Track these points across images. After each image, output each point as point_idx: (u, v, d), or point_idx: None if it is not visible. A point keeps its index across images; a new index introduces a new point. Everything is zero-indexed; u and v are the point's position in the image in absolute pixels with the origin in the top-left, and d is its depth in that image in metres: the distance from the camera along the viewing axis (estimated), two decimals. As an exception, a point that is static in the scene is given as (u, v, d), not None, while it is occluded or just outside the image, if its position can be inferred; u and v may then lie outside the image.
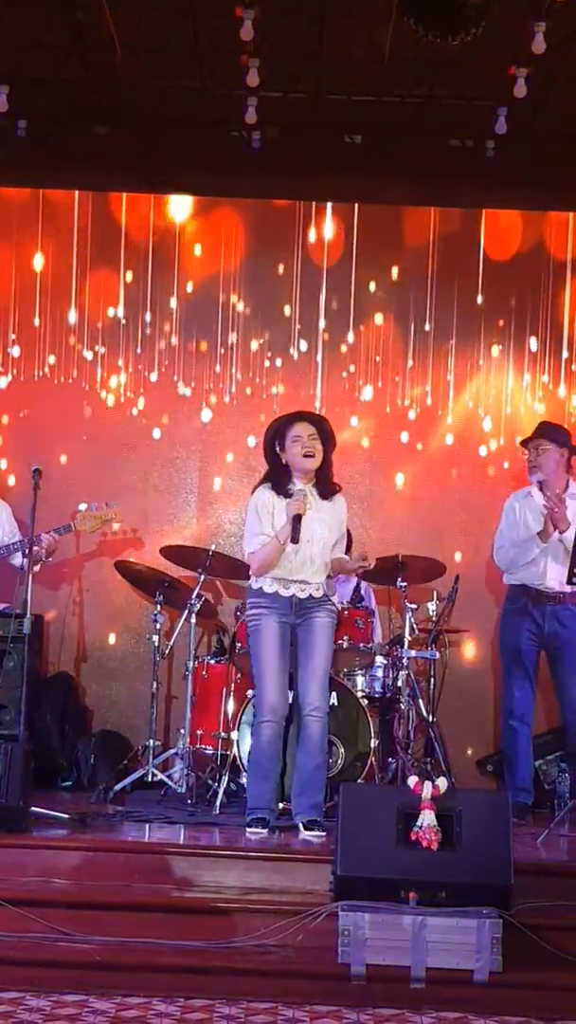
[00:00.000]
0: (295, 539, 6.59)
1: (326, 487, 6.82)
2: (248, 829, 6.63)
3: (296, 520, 6.59)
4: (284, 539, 6.62)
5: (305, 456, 6.72)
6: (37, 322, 9.12)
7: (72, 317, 9.12)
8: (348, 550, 8.10)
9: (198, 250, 9.19)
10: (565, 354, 9.10)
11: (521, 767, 7.68)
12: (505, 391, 9.13)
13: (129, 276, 9.15)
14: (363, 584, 8.21)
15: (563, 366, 9.11)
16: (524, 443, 7.91)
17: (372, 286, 9.15)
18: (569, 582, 7.25)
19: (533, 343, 9.11)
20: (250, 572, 6.89)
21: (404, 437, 9.12)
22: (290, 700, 6.85)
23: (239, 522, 8.33)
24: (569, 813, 7.26)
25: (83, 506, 8.07)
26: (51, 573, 8.61)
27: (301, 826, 6.62)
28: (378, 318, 9.16)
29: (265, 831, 6.62)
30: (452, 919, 5.30)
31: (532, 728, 7.80)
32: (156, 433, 9.13)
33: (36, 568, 7.63)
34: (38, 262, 9.16)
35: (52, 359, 9.11)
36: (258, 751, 6.76)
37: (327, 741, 6.84)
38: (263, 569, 6.73)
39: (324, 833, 6.47)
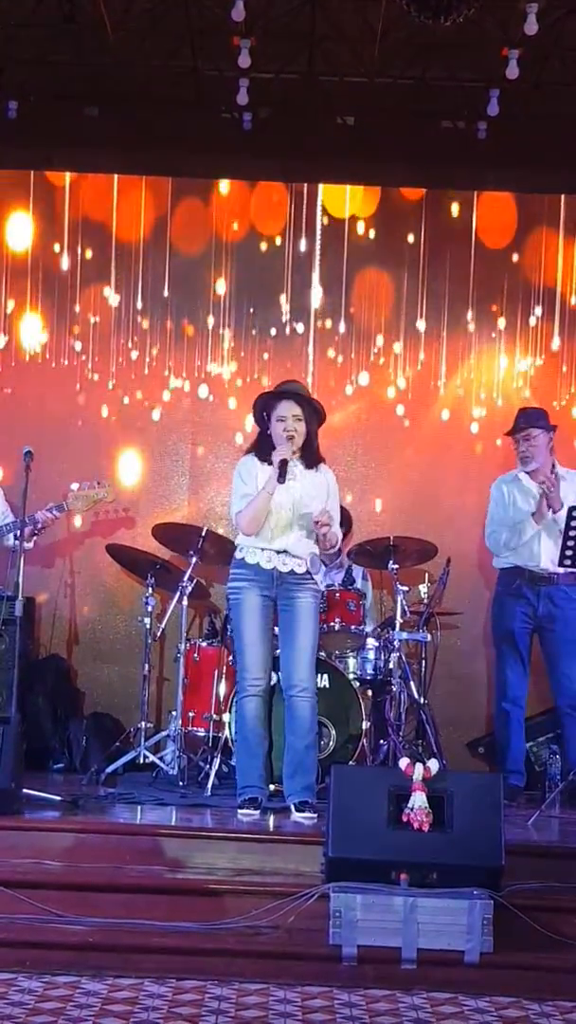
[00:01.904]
0: (281, 480, 6.63)
1: (311, 458, 6.86)
2: (240, 810, 6.65)
3: (283, 464, 6.65)
4: (272, 488, 6.66)
5: (287, 438, 6.75)
6: (28, 304, 9.09)
7: (63, 299, 9.09)
8: (348, 531, 8.13)
9: (189, 232, 9.15)
10: (556, 334, 9.09)
11: (514, 750, 7.72)
12: (496, 372, 9.12)
13: (121, 258, 9.12)
14: (356, 567, 8.22)
15: (555, 346, 9.10)
16: (510, 434, 7.90)
17: (364, 268, 9.12)
18: (560, 564, 7.25)
19: (525, 323, 9.09)
20: (239, 531, 6.91)
21: (396, 419, 9.11)
22: (275, 681, 6.88)
23: (231, 505, 8.35)
24: (560, 795, 7.28)
25: (75, 485, 8.05)
26: (43, 555, 8.60)
27: (293, 808, 6.64)
28: (370, 299, 9.13)
29: (257, 812, 6.64)
30: (443, 900, 5.30)
31: (525, 711, 7.82)
32: (148, 416, 9.12)
33: (29, 545, 7.62)
34: (29, 243, 9.13)
35: (44, 340, 9.10)
36: (244, 728, 6.79)
37: (317, 721, 6.85)
38: (252, 524, 6.75)
39: (315, 815, 6.49)
